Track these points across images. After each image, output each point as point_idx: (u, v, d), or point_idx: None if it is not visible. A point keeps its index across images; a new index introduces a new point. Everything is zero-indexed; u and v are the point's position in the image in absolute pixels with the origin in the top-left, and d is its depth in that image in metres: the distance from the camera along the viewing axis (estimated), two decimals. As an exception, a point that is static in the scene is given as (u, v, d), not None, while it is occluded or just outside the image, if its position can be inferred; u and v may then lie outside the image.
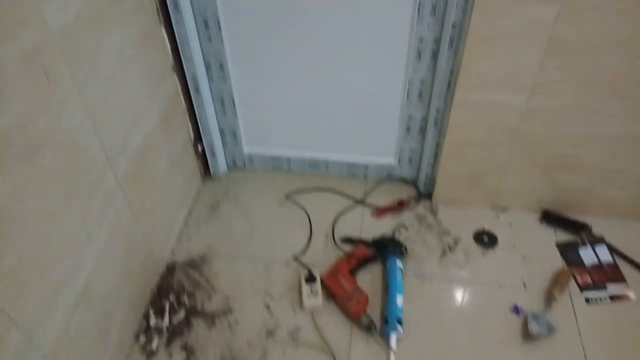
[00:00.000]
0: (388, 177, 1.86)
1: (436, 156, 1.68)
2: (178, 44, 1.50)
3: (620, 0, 1.17)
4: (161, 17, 1.41)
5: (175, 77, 1.55)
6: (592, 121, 1.42)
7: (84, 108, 1.06)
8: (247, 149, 1.87)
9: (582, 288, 1.47)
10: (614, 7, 1.18)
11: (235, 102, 1.71)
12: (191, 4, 1.45)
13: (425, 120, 1.65)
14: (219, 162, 1.87)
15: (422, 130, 1.69)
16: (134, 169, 1.30)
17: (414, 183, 1.84)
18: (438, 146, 1.65)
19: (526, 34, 1.26)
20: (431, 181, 1.75)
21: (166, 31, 1.45)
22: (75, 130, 1.04)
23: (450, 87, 1.47)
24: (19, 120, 0.87)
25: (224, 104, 1.72)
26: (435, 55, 1.47)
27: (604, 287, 1.47)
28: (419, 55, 1.49)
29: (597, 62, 1.29)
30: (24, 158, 0.89)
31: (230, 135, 1.82)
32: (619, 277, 1.49)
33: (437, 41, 1.44)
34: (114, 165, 1.20)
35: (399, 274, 1.45)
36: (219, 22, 1.49)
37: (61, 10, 0.97)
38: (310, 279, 1.47)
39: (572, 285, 1.48)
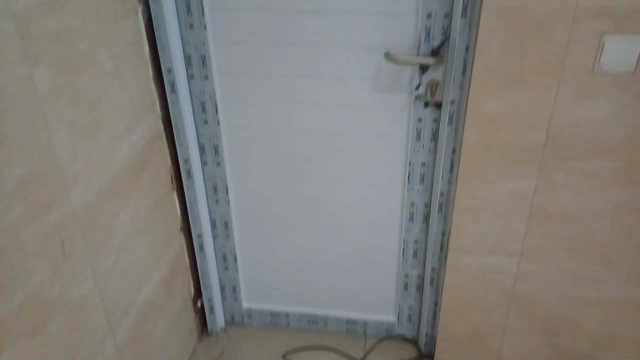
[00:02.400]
0: (388, 335, 1.83)
1: (435, 315, 1.68)
2: (187, 207, 1.62)
3: (589, 178, 1.30)
4: (174, 184, 1.54)
5: (182, 236, 1.63)
6: (583, 285, 1.46)
7: (94, 278, 1.11)
8: (246, 304, 1.88)
9: None
10: (585, 183, 1.30)
11: (238, 258, 1.77)
12: (202, 172, 1.60)
13: (421, 278, 1.69)
14: (217, 317, 1.87)
15: (420, 288, 1.72)
16: (133, 333, 1.31)
17: (414, 342, 1.81)
18: (436, 305, 1.66)
19: (508, 204, 1.37)
20: (432, 340, 1.73)
21: (177, 196, 1.57)
22: (83, 299, 1.08)
23: (443, 248, 1.54)
24: (32, 294, 0.92)
25: (227, 259, 1.78)
26: (427, 218, 1.57)
27: None
28: (411, 217, 1.59)
29: (578, 230, 1.37)
30: (32, 332, 0.92)
31: (230, 290, 1.85)
32: None
33: (428, 206, 1.55)
34: (115, 331, 1.21)
35: None
36: (227, 187, 1.62)
37: (86, 190, 1.08)
38: None
39: None
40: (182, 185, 1.59)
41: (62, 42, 0.98)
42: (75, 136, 1.04)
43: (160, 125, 1.43)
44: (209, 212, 1.68)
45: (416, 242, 1.63)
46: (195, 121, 1.52)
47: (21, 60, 0.88)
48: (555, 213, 1.36)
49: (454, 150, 1.39)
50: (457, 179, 1.37)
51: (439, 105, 1.39)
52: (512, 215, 1.38)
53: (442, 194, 1.47)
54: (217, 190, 1.64)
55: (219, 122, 1.52)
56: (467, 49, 1.25)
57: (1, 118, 0.83)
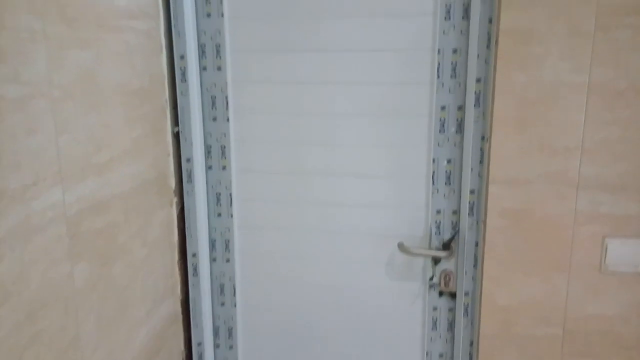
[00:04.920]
0: None
1: None
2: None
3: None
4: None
5: None
6: None
7: None
8: None
9: None
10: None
11: None
12: (214, 355, 1.57)
13: None
14: None
15: None
16: None
17: None
18: None
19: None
20: None
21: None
22: None
23: None
24: None
25: None
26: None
27: None
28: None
29: None
30: None
31: None
32: None
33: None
34: None
35: None
36: (237, 373, 1.58)
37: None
38: None
39: None
40: (192, 369, 1.54)
41: (104, 237, 1.07)
42: (101, 326, 1.06)
43: (178, 308, 1.46)
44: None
45: None
46: (212, 303, 1.55)
47: (66, 259, 0.95)
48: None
49: (471, 343, 1.38)
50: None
51: (453, 295, 1.42)
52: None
53: (462, 391, 1.41)
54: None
55: (235, 304, 1.54)
56: (476, 243, 1.33)
57: (38, 315, 0.87)
